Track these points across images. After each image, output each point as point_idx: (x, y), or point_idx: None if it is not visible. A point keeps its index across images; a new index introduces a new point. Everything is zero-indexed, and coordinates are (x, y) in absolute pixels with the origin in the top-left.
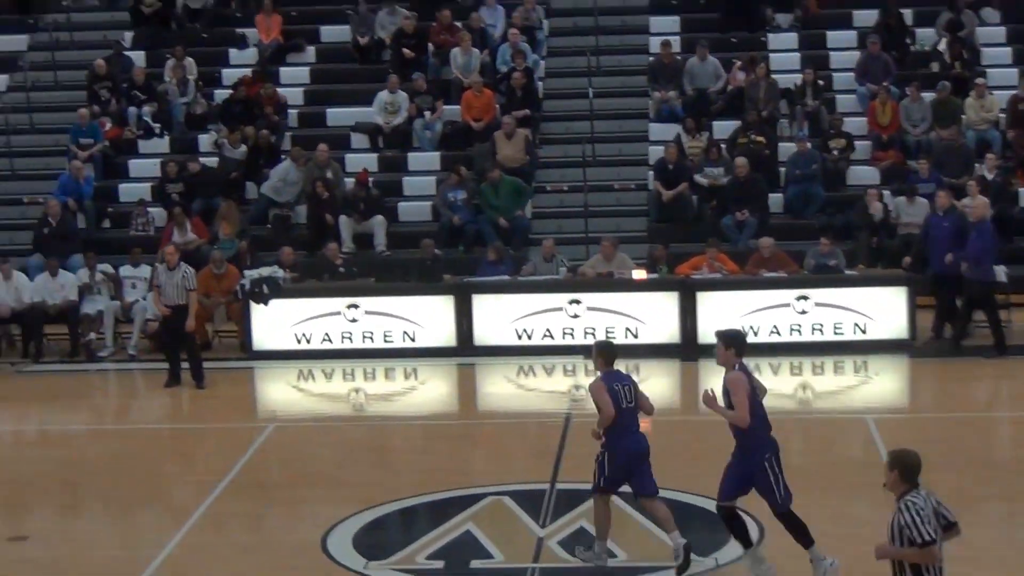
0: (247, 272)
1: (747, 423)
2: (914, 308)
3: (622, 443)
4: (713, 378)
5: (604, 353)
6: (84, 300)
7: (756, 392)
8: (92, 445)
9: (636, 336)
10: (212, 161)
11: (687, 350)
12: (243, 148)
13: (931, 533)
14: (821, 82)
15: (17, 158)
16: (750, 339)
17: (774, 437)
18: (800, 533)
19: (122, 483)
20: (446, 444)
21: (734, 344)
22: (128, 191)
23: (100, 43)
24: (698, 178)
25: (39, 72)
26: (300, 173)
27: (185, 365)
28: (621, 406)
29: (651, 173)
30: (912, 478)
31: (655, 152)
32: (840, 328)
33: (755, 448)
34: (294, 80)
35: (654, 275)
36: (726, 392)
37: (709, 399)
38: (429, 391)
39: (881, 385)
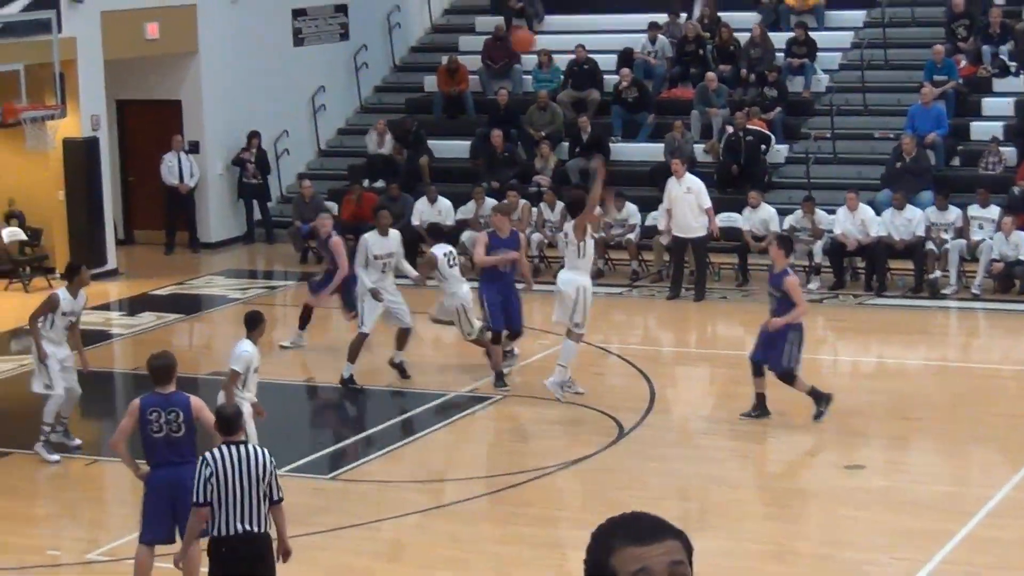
0: None
1: None
2: None
3: None
4: None
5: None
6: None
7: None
8: (929, 380)
9: None
10: None
11: None
12: None
13: (204, 496)
14: None
15: (870, 93)
16: None
17: None
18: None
19: (957, 420)
20: None
21: None
22: (980, 129)
23: None
24: None
25: (896, 8)
26: None
27: None
28: None
29: None
30: (224, 430)
31: None
32: None
33: None
34: None
35: None
36: None
37: None
38: None
39: None
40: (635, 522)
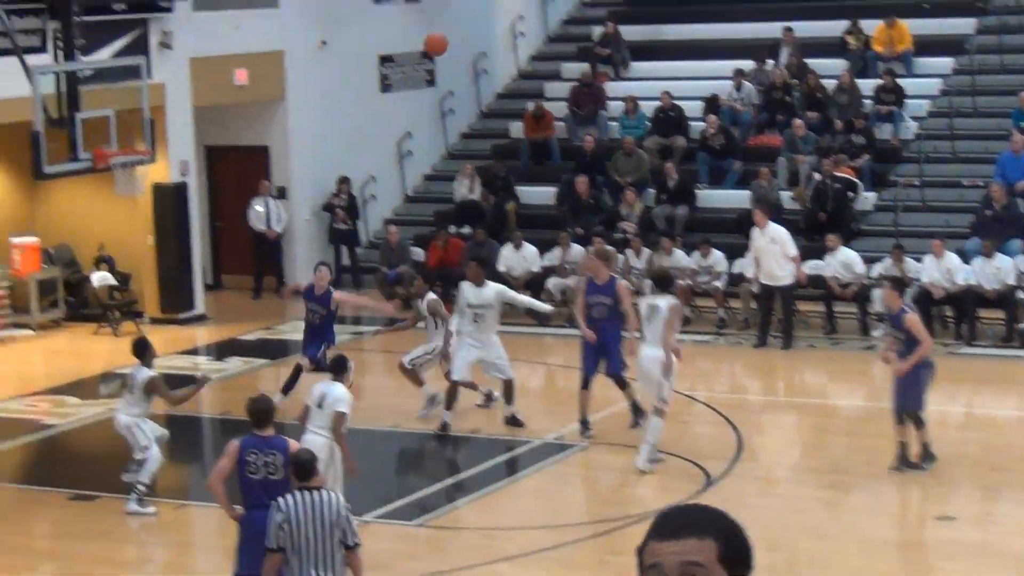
0: None
1: None
2: None
3: None
4: None
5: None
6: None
7: None
8: (1020, 431)
9: None
10: None
11: None
12: None
13: (276, 542)
14: None
15: (959, 140)
16: None
17: None
18: None
19: None
20: None
21: None
22: None
23: None
24: None
25: (985, 56)
26: None
27: None
28: None
29: None
30: (300, 476)
31: None
32: None
33: None
34: None
35: None
36: None
37: None
38: None
39: None
40: (670, 516)
